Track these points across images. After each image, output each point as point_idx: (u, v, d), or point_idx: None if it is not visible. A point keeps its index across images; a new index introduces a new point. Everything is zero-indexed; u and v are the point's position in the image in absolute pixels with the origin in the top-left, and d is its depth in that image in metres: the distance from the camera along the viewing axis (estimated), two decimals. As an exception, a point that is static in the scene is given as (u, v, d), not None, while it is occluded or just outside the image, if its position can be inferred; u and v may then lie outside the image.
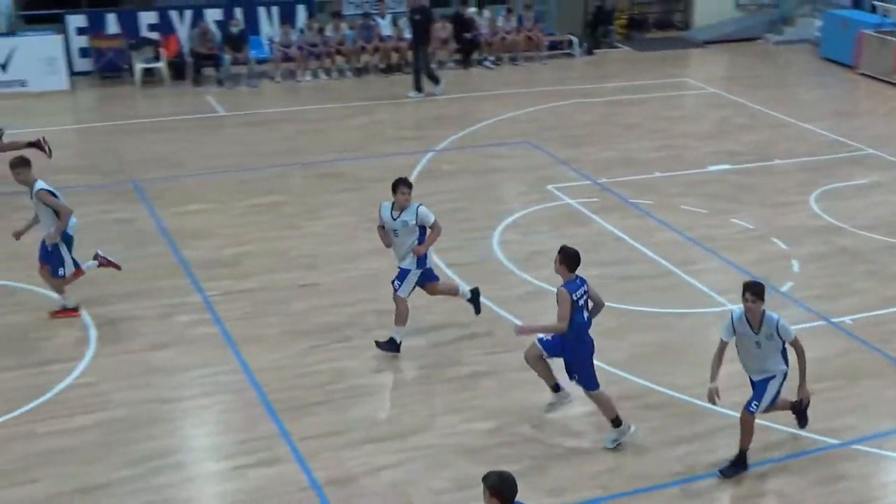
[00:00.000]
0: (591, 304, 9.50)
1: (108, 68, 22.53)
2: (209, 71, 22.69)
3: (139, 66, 22.25)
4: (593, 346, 9.52)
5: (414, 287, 11.18)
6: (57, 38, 21.88)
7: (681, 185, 16.56)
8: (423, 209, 11.02)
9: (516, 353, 10.44)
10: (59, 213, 11.50)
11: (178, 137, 18.93)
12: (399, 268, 11.16)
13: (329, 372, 10.93)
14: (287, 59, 23.10)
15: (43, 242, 11.66)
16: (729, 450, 9.32)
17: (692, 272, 13.35)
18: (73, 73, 22.18)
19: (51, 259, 11.67)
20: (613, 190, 16.23)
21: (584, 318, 9.34)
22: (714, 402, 9.00)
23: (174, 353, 11.23)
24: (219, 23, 23.14)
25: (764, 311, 8.93)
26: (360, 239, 14.20)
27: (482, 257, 13.76)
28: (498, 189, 16.69)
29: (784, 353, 9.10)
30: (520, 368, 10.22)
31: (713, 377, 8.99)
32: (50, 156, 15.43)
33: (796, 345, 9.02)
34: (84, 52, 22.60)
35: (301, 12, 24.17)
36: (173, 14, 23.23)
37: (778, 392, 9.13)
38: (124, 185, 16.25)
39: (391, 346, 11.18)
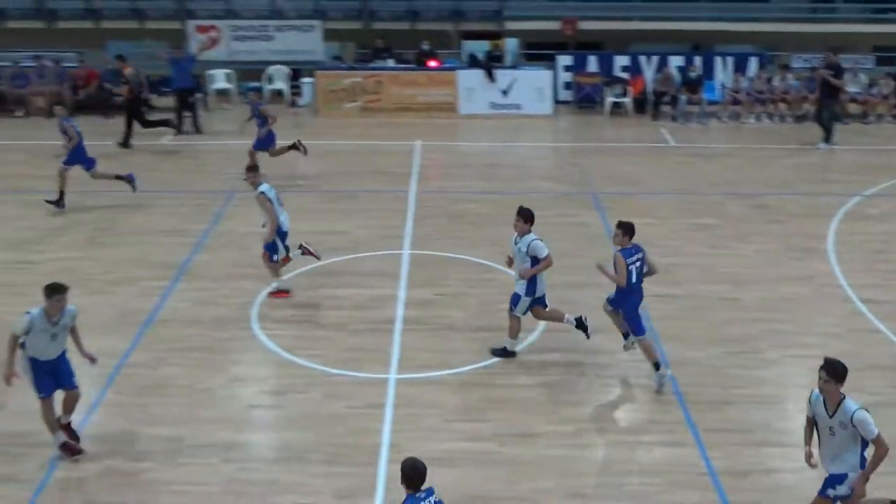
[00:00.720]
0: (645, 269, 10.00)
1: (584, 100, 23.15)
2: (666, 108, 22.56)
3: (609, 100, 22.65)
4: (641, 299, 10.01)
5: (528, 309, 10.54)
6: (548, 73, 22.81)
7: None
8: (535, 242, 10.23)
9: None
10: (268, 215, 11.86)
11: (634, 161, 19.00)
12: (514, 292, 10.54)
13: (738, 377, 10.44)
14: (735, 102, 22.38)
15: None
16: None
17: None
18: (556, 102, 23.02)
19: (268, 247, 12.06)
20: None
21: (634, 278, 9.82)
22: (810, 464, 7.41)
23: (608, 339, 11.21)
24: (679, 68, 22.94)
25: (843, 396, 7.07)
26: (783, 265, 13.41)
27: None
28: (922, 237, 14.99)
29: (865, 447, 7.15)
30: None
31: (806, 441, 7.47)
32: (305, 153, 16.99)
33: (877, 442, 7.03)
34: (567, 86, 23.39)
35: (753, 63, 23.27)
36: (643, 58, 23.34)
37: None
38: (585, 196, 16.59)
39: (503, 352, 10.75)
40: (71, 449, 8.87)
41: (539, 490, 8.51)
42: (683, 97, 22.18)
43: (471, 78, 22.51)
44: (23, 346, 8.56)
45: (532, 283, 10.43)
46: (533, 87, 22.48)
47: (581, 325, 10.80)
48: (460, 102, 22.56)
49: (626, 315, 10.07)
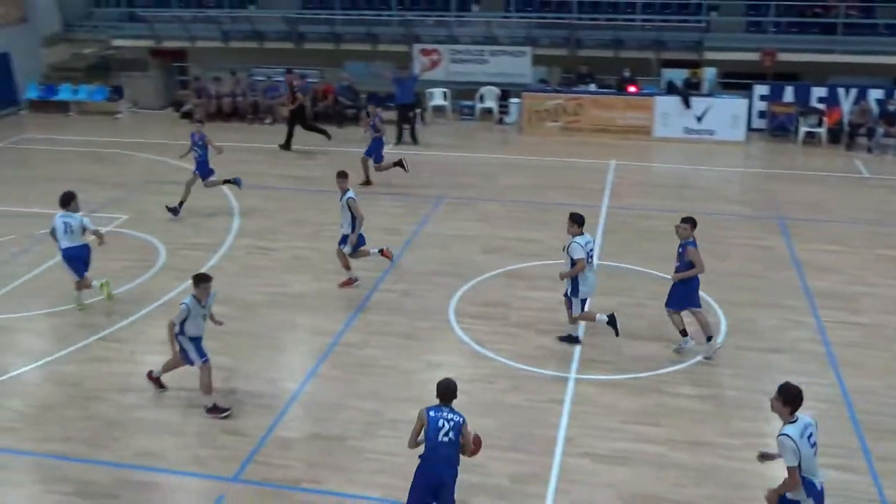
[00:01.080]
0: None
1: (778, 128, 21.98)
2: (861, 139, 21.02)
3: (803, 130, 21.38)
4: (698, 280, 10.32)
5: (584, 305, 10.73)
6: (743, 102, 21.82)
7: None
8: (573, 244, 10.35)
9: None
10: (355, 216, 12.21)
11: (824, 189, 17.84)
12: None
13: (918, 409, 9.59)
14: (936, 137, 20.55)
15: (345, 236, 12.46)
16: None
17: None
18: (749, 129, 21.99)
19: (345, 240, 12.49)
20: None
21: None
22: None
23: (784, 359, 10.68)
24: (878, 101, 21.32)
25: (794, 420, 6.71)
26: (974, 302, 12.18)
27: None
28: None
29: (808, 484, 6.69)
30: None
31: None
32: (407, 171, 16.97)
33: (789, 472, 6.67)
34: (761, 114, 22.28)
35: (958, 98, 21.27)
36: (840, 90, 21.86)
37: None
38: (771, 220, 15.76)
39: (570, 339, 10.93)
40: (220, 410, 9.47)
41: (703, 496, 8.17)
42: (880, 129, 20.61)
43: (667, 104, 21.90)
44: (182, 331, 9.33)
45: (574, 284, 10.56)
46: (728, 114, 21.56)
47: (612, 321, 10.77)
48: (655, 126, 22.00)
49: (687, 290, 10.32)
